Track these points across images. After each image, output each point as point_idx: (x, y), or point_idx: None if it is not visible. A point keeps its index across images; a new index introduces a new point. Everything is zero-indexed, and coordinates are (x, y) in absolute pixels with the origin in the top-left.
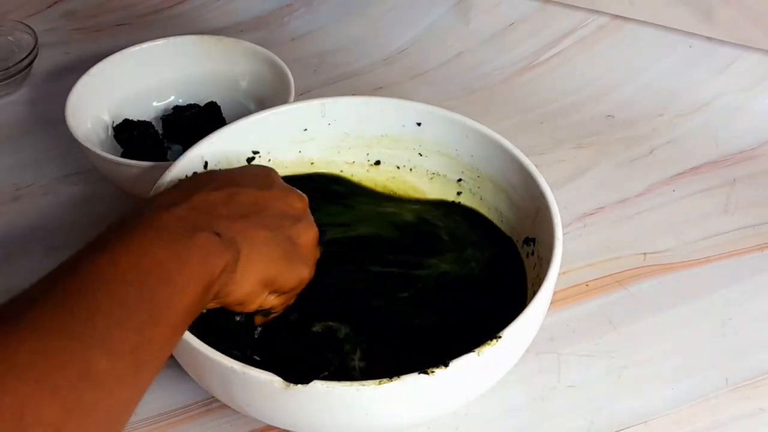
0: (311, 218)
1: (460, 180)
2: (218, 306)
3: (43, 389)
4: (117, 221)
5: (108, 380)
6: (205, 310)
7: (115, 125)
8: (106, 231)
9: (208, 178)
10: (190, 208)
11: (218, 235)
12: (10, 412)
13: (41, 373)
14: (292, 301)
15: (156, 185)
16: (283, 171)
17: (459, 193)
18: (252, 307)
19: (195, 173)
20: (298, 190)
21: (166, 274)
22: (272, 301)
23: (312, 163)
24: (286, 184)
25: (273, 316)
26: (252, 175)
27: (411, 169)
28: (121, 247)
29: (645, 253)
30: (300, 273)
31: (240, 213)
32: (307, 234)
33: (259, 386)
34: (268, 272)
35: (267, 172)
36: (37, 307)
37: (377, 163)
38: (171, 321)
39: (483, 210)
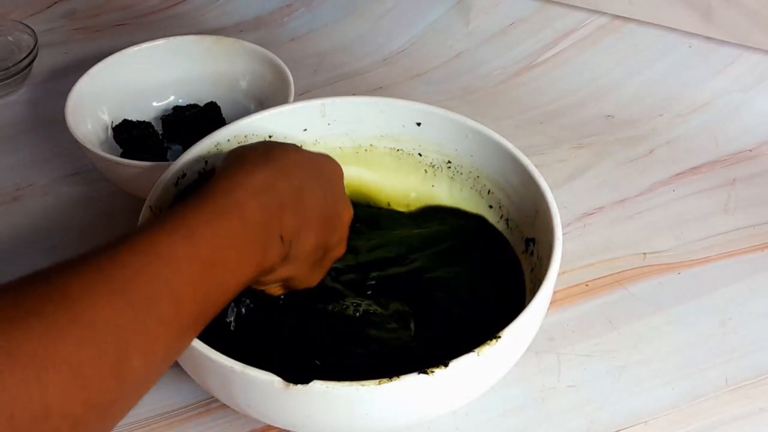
0: (346, 234)
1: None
2: None
3: (75, 384)
4: (194, 200)
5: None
6: None
7: (114, 125)
8: (183, 209)
9: (285, 164)
10: (264, 208)
11: (282, 238)
12: (39, 405)
13: (78, 366)
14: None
15: (155, 185)
16: None
17: None
18: (260, 287)
19: (270, 143)
20: (349, 201)
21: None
22: (275, 289)
23: None
24: (343, 189)
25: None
26: (319, 169)
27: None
28: (197, 239)
29: (645, 253)
30: (313, 281)
31: (303, 216)
32: (339, 249)
33: (259, 386)
34: (295, 273)
35: (332, 171)
36: (88, 299)
37: None
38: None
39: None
